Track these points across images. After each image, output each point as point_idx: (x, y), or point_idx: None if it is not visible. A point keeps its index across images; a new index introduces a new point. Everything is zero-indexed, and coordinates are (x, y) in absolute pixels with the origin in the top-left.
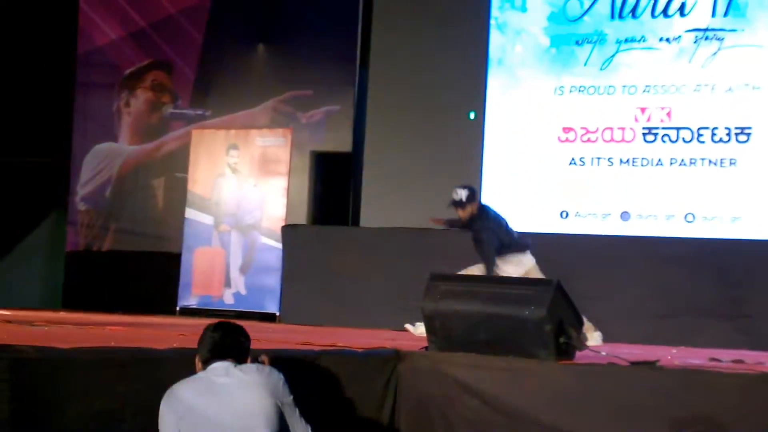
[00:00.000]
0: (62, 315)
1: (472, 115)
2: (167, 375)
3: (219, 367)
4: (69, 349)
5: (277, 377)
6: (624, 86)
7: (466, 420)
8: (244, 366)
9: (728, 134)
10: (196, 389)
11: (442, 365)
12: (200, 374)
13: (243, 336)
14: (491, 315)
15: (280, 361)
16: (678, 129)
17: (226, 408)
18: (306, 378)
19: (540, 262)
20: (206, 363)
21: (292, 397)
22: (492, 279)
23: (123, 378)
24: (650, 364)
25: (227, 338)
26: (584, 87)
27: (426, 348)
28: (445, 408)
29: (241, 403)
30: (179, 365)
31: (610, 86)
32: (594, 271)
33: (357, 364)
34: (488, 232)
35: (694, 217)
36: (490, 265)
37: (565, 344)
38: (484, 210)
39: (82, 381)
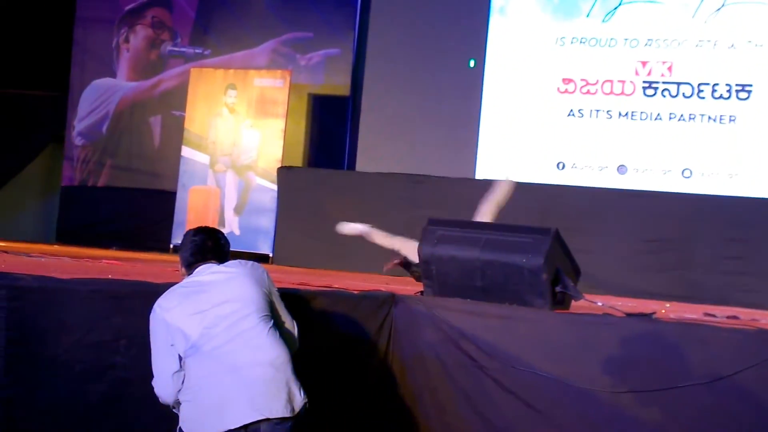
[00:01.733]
0: (58, 248)
1: (471, 63)
2: None
3: (202, 268)
4: (67, 280)
5: (261, 269)
6: (626, 39)
7: (459, 364)
8: (226, 263)
9: (728, 91)
10: (184, 293)
11: (436, 310)
12: (185, 280)
13: (223, 239)
14: (488, 262)
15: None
16: (678, 84)
17: (217, 299)
18: (301, 316)
19: (535, 213)
20: (190, 267)
21: (276, 289)
22: (490, 225)
23: (118, 310)
24: (646, 316)
25: (208, 240)
26: (585, 38)
27: (422, 292)
28: (438, 352)
29: (230, 293)
30: None
31: (611, 38)
32: (589, 224)
33: (352, 305)
34: None
35: (691, 172)
36: None
37: (561, 293)
38: None
39: (79, 311)
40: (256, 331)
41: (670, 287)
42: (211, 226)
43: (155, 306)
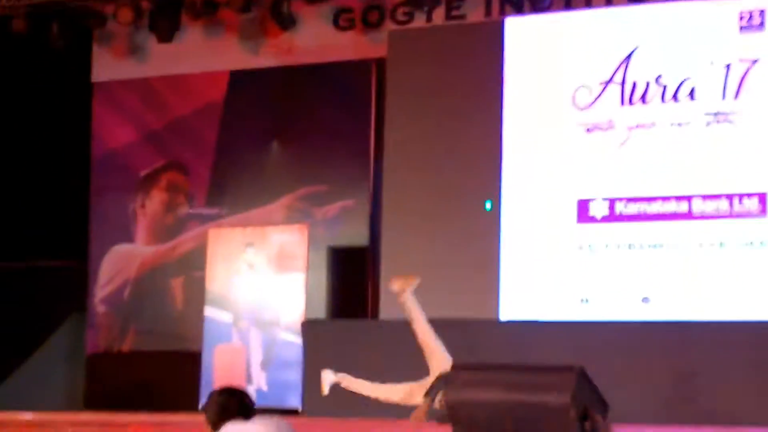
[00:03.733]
0: (86, 417)
1: (488, 205)
2: None
3: (229, 426)
4: None
5: (286, 425)
6: (641, 170)
7: None
8: (252, 419)
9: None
10: None
11: None
12: None
13: (247, 398)
14: (515, 403)
15: None
16: (695, 212)
17: None
18: None
19: (562, 350)
20: (215, 426)
21: None
22: (515, 367)
23: None
24: None
25: (233, 400)
26: (598, 173)
27: None
28: None
29: None
30: None
31: (626, 170)
32: (616, 358)
33: None
34: None
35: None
36: None
37: (591, 430)
38: None
39: None
40: None
41: (702, 416)
42: (236, 385)
43: None
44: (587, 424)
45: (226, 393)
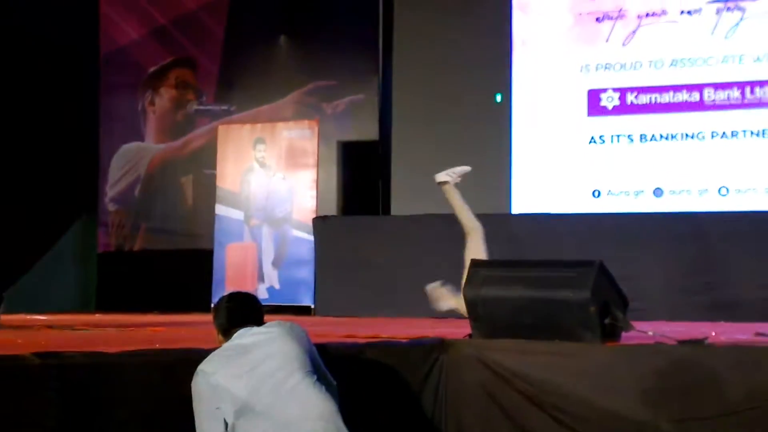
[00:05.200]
0: (100, 317)
1: (498, 98)
2: None
3: (240, 332)
4: (116, 353)
5: (300, 328)
6: (650, 61)
7: (515, 404)
8: (265, 324)
9: (759, 103)
10: (225, 356)
11: (487, 352)
12: (225, 345)
13: (257, 303)
14: (535, 299)
15: (326, 353)
16: (707, 102)
17: (260, 359)
18: (352, 370)
19: (575, 243)
20: (226, 332)
21: (315, 348)
22: (534, 263)
23: (169, 379)
24: (698, 342)
25: (242, 305)
26: (610, 64)
27: (470, 335)
28: (493, 393)
29: (273, 352)
30: None
31: (636, 62)
32: (629, 251)
33: (402, 355)
34: None
35: (728, 190)
36: None
37: (611, 325)
38: None
39: (130, 384)
40: (303, 385)
41: (715, 308)
42: (245, 290)
43: (198, 372)
44: (607, 320)
45: (235, 299)
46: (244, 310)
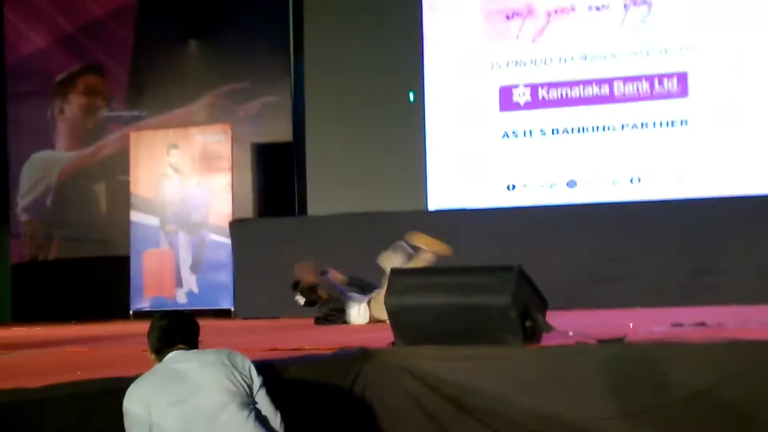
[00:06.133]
0: (17, 330)
1: (411, 97)
2: None
3: (174, 355)
4: (38, 389)
5: (242, 358)
6: (560, 57)
7: (443, 411)
8: (201, 351)
9: (667, 94)
10: (158, 380)
11: (411, 359)
12: (156, 367)
13: (192, 321)
14: (456, 306)
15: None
16: (616, 95)
17: (194, 389)
18: (278, 387)
19: (492, 237)
20: (159, 353)
21: (261, 379)
22: (454, 269)
23: (94, 412)
24: (618, 341)
25: (176, 325)
26: (520, 61)
27: (393, 343)
28: (420, 401)
29: (208, 382)
30: None
31: (545, 58)
32: (546, 242)
33: (325, 368)
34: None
35: (640, 179)
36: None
37: (532, 328)
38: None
39: (55, 419)
40: (238, 421)
41: (633, 295)
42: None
43: (130, 392)
44: (528, 323)
45: (168, 316)
46: (177, 330)
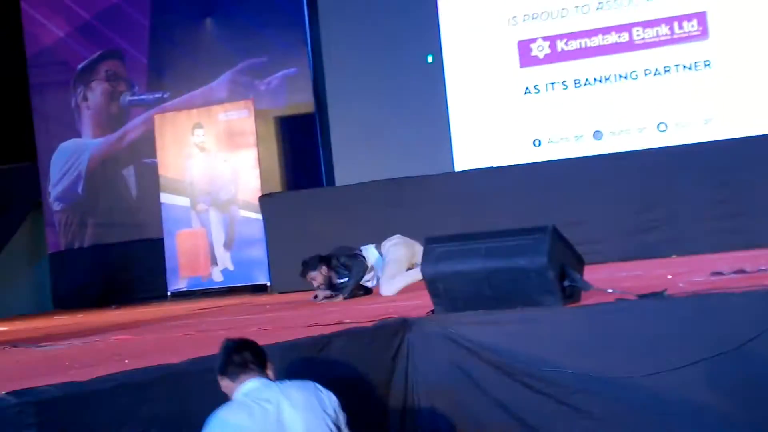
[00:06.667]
0: (58, 320)
1: (430, 59)
2: (186, 389)
3: (257, 388)
4: (88, 381)
5: (328, 395)
6: (577, 6)
7: (486, 375)
8: (284, 384)
9: (687, 37)
10: (249, 411)
11: (452, 327)
12: (240, 398)
13: (258, 347)
14: (492, 270)
15: (295, 349)
16: (636, 41)
17: (287, 424)
18: (320, 361)
19: (521, 193)
20: (232, 378)
21: (346, 416)
22: (487, 234)
23: (144, 400)
24: (658, 295)
25: (245, 351)
26: (537, 13)
27: (432, 312)
28: (462, 367)
29: (299, 416)
30: (196, 378)
31: (562, 8)
32: (576, 195)
33: (367, 340)
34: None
35: (666, 126)
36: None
37: (570, 287)
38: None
39: (106, 410)
40: None
41: (665, 244)
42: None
43: (221, 419)
44: (566, 282)
45: (235, 344)
46: (246, 356)
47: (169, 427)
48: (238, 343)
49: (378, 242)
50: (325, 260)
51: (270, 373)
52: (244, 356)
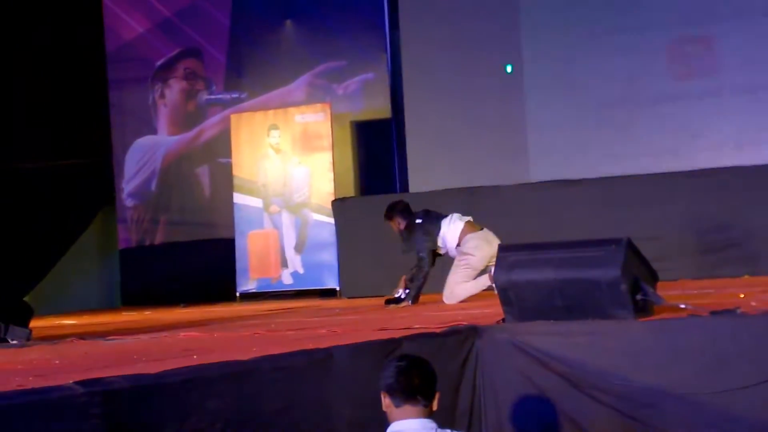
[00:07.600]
0: (127, 316)
1: (509, 69)
2: (252, 387)
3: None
4: (157, 374)
5: None
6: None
7: (553, 386)
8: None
9: None
10: None
11: (521, 336)
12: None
13: (429, 372)
14: (565, 280)
15: (364, 351)
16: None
17: None
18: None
19: (593, 207)
20: (395, 404)
21: None
22: (561, 244)
23: (211, 395)
24: (731, 312)
25: (416, 377)
26: (616, 27)
27: (503, 320)
28: (530, 378)
29: None
30: (263, 376)
31: (641, 26)
32: (651, 211)
33: (437, 345)
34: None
35: (744, 144)
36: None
37: (643, 301)
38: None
39: (173, 404)
40: None
41: (741, 262)
42: (418, 357)
43: None
44: (639, 296)
45: (409, 367)
46: (415, 383)
47: (233, 423)
48: (409, 362)
49: None
50: (407, 215)
51: (435, 403)
52: (412, 382)
